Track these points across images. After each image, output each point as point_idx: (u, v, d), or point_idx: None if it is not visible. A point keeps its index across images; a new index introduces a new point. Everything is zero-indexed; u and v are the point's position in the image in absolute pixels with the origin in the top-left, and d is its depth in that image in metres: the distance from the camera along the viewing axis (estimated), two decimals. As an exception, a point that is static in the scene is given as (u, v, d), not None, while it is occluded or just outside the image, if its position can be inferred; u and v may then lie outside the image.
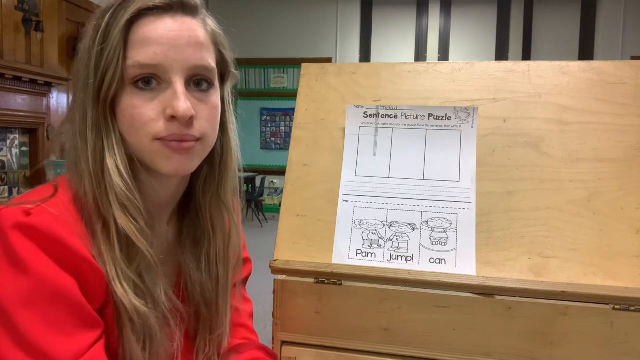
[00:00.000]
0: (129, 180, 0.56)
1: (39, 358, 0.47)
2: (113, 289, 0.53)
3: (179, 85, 0.56)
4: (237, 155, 0.69)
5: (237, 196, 0.72)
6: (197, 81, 0.58)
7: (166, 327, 0.59)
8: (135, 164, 0.58)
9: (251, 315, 0.81)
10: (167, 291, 0.59)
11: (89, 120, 0.56)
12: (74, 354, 0.49)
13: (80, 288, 0.51)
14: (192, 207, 0.68)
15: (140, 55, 0.54)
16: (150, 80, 0.55)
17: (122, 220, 0.54)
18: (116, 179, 0.55)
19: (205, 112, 0.59)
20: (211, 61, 0.60)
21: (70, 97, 0.61)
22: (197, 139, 0.58)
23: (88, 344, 0.50)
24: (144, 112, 0.55)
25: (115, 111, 0.57)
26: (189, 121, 0.56)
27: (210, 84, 0.60)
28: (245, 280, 0.80)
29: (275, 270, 0.74)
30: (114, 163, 0.55)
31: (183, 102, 0.55)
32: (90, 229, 0.54)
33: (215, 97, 0.61)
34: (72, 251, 0.50)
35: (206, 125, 0.59)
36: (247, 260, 0.80)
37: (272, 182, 7.34)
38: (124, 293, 0.53)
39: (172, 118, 0.55)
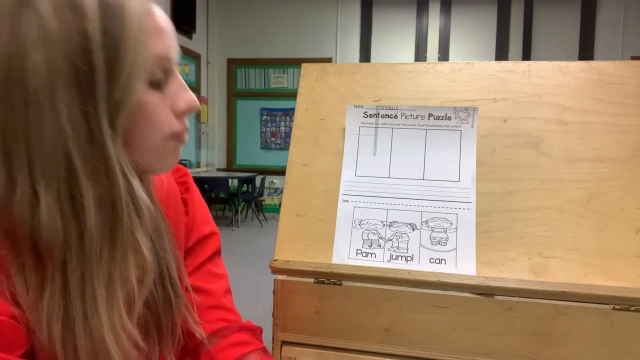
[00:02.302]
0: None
1: None
2: (100, 345, 0.45)
3: (179, 76, 0.52)
4: None
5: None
6: None
7: None
8: None
9: (227, 291, 0.74)
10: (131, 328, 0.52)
11: (105, 133, 0.45)
12: None
13: None
14: None
15: (157, 47, 0.48)
16: (164, 76, 0.50)
17: (148, 251, 0.49)
18: (147, 202, 0.48)
19: None
20: None
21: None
22: None
23: None
24: (159, 111, 0.50)
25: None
26: None
27: None
28: (214, 255, 0.74)
29: (275, 270, 0.74)
30: (129, 172, 0.48)
31: (192, 93, 0.52)
32: (26, 268, 0.44)
33: None
34: None
35: None
36: (212, 235, 0.74)
37: (272, 182, 7.34)
38: (118, 339, 0.47)
39: (183, 112, 0.52)
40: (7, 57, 0.42)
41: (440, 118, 0.78)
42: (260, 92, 7.32)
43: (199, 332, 0.63)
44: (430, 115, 0.79)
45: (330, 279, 0.71)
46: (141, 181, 0.53)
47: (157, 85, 0.50)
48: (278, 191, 7.34)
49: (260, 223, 6.63)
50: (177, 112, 0.52)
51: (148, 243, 0.50)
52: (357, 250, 0.74)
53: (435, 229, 0.73)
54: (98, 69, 0.44)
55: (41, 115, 0.43)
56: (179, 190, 0.71)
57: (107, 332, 0.46)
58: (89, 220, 0.45)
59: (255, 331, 0.71)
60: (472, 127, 0.77)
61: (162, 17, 0.50)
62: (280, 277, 0.74)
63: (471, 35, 6.78)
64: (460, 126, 0.78)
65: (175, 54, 0.51)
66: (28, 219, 0.43)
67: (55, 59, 0.43)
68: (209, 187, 6.30)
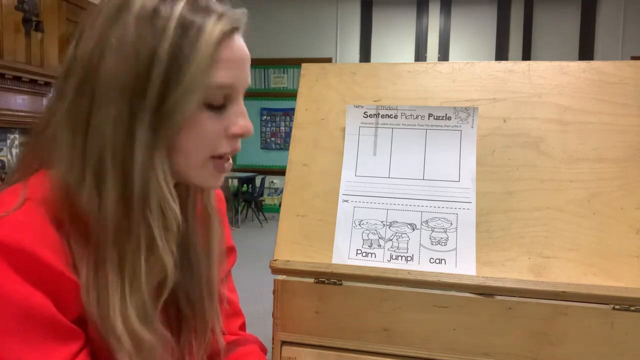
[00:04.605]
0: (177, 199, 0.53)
1: None
2: (112, 324, 0.49)
3: (242, 104, 0.56)
4: None
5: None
6: None
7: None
8: None
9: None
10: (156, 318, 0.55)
11: (142, 132, 0.49)
12: None
13: (54, 303, 0.47)
14: None
15: (222, 76, 0.52)
16: (224, 102, 0.54)
17: (162, 246, 0.51)
18: (168, 196, 0.51)
19: None
20: None
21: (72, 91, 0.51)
22: None
23: (70, 357, 0.48)
24: (211, 132, 0.53)
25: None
26: None
27: None
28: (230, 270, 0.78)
29: (275, 270, 0.74)
30: (164, 180, 0.51)
31: (249, 121, 0.55)
32: (80, 242, 0.49)
33: None
34: (44, 265, 0.46)
35: None
36: (232, 250, 0.77)
37: (272, 182, 7.34)
38: (127, 323, 0.49)
39: (236, 135, 0.55)
40: (90, 53, 0.49)
41: (440, 118, 0.78)
42: (260, 92, 7.32)
43: (221, 341, 0.67)
44: (430, 115, 0.79)
45: (330, 279, 0.71)
46: (188, 192, 0.60)
47: (215, 108, 0.53)
48: (278, 191, 7.33)
49: (260, 223, 6.62)
50: (229, 134, 0.55)
51: (169, 247, 0.52)
52: (357, 250, 0.74)
53: (435, 229, 0.73)
54: (153, 83, 0.49)
55: (98, 110, 0.49)
56: None
57: (115, 317, 0.49)
58: (107, 210, 0.49)
59: (262, 348, 0.76)
60: (472, 127, 0.77)
61: (239, 47, 0.53)
62: (280, 277, 0.74)
63: (471, 35, 6.78)
64: (460, 126, 0.78)
65: (242, 83, 0.54)
66: (72, 197, 0.49)
67: (122, 66, 0.48)
68: (209, 187, 6.29)
